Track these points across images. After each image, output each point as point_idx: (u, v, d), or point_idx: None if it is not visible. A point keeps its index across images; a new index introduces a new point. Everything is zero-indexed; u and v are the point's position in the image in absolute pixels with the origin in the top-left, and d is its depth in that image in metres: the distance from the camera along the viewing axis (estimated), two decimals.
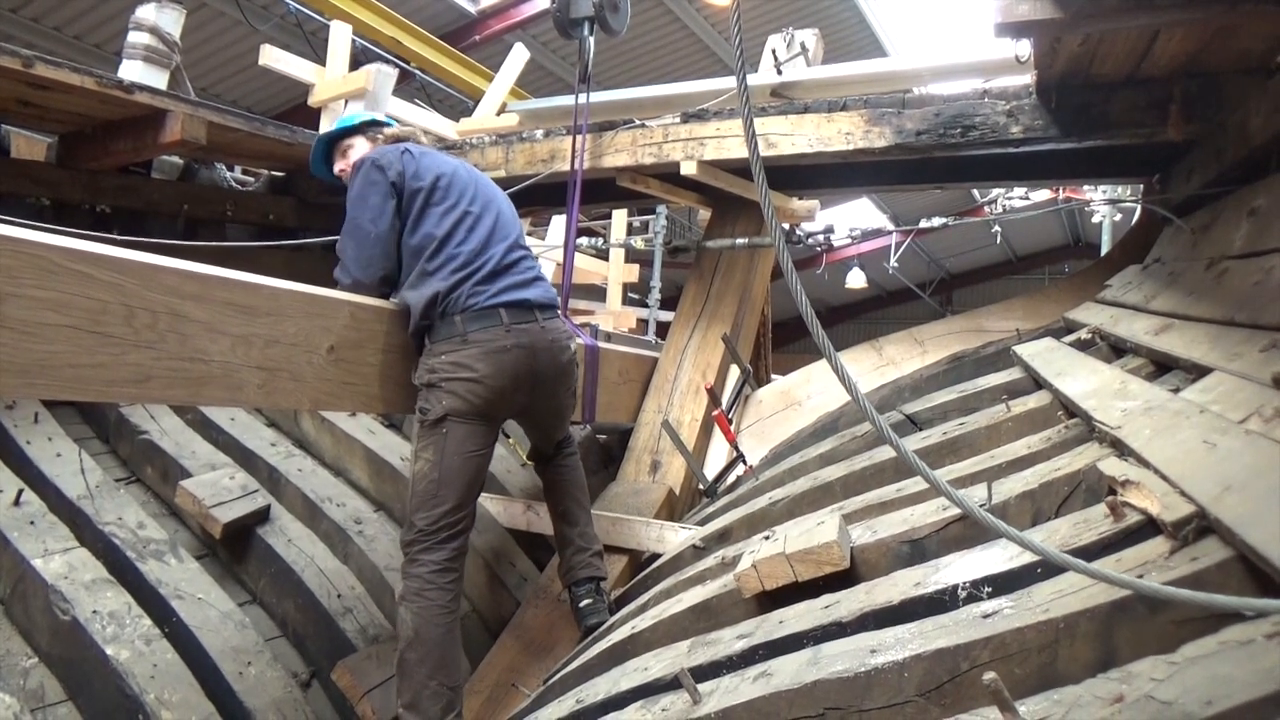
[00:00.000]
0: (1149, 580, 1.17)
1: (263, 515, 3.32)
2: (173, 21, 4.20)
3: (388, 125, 3.05)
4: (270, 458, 3.71)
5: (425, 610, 2.43)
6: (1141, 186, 3.98)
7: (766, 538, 2.12)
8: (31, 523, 2.95)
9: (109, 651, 2.56)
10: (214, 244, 3.41)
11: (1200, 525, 1.24)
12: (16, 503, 3.01)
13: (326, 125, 5.11)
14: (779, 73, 4.48)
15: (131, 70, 3.98)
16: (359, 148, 2.95)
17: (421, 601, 2.44)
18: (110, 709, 2.51)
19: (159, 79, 4.02)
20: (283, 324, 2.27)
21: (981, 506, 1.79)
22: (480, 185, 2.85)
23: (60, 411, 3.75)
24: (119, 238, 2.30)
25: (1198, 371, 1.89)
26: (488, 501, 3.57)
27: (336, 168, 3.01)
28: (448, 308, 2.57)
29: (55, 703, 2.54)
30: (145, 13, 4.15)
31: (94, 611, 2.67)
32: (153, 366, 1.94)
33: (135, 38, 4.05)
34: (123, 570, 2.91)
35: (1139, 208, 4.23)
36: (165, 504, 3.48)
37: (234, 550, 3.27)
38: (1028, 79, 3.29)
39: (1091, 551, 1.37)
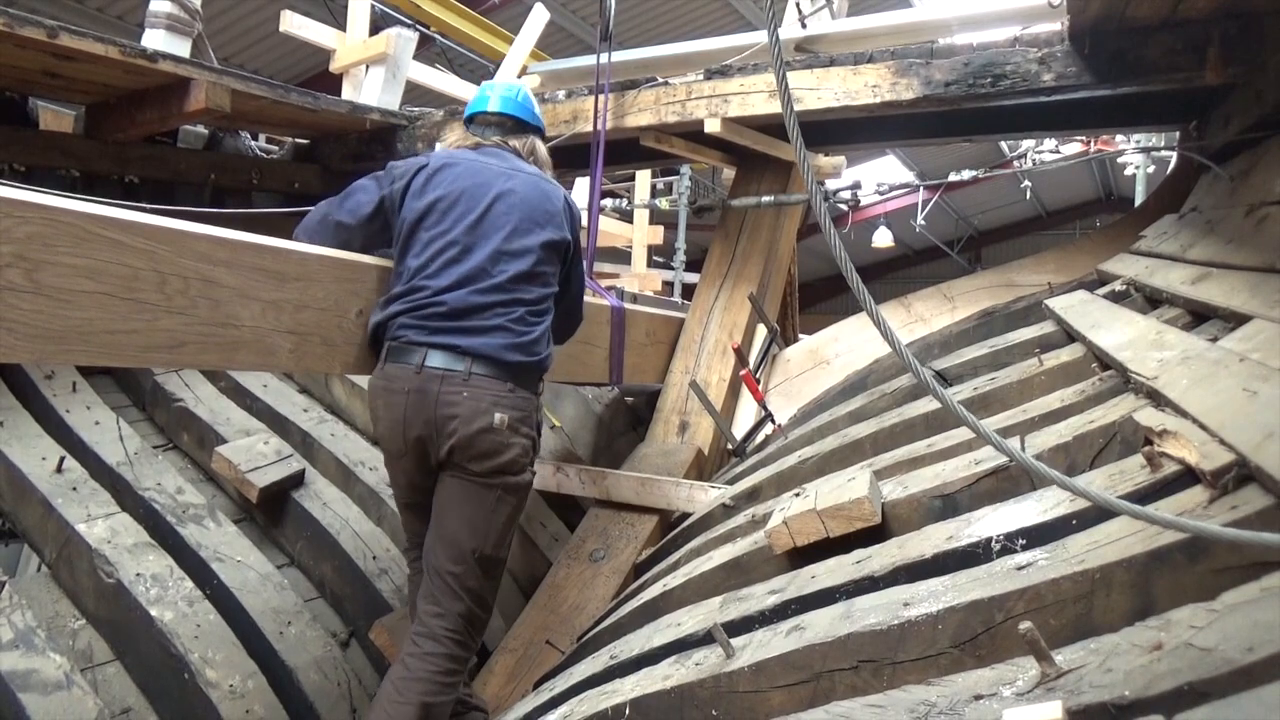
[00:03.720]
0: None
1: (298, 479, 3.37)
2: None
3: (471, 127, 2.78)
4: (303, 423, 3.76)
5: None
6: (1178, 134, 3.88)
7: (797, 495, 2.12)
8: (74, 489, 3.02)
9: (153, 613, 2.63)
10: (241, 211, 3.44)
11: (1241, 473, 1.22)
12: (59, 470, 3.08)
13: (349, 91, 5.11)
14: (803, 26, 4.41)
15: (154, 39, 3.98)
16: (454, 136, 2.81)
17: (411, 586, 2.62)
18: (157, 668, 2.58)
19: (182, 48, 4.02)
20: (312, 289, 2.28)
21: (1013, 461, 1.78)
22: (499, 203, 2.48)
23: (97, 380, 3.81)
24: (149, 206, 2.31)
25: (1237, 320, 1.85)
26: None
27: None
28: (383, 334, 2.41)
29: (103, 662, 2.62)
30: None
31: (137, 574, 2.73)
32: (185, 332, 1.97)
33: (157, 6, 4.04)
34: (164, 534, 2.98)
35: (1174, 157, 4.14)
36: (202, 470, 3.54)
37: (271, 514, 3.33)
38: (1059, 25, 3.21)
39: (1128, 502, 1.36)
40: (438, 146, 2.77)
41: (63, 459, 3.12)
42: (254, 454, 3.36)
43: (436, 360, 2.31)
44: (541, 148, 2.81)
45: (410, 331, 2.34)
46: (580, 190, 7.38)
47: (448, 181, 2.49)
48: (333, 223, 2.55)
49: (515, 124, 2.74)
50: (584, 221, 3.30)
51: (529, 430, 2.42)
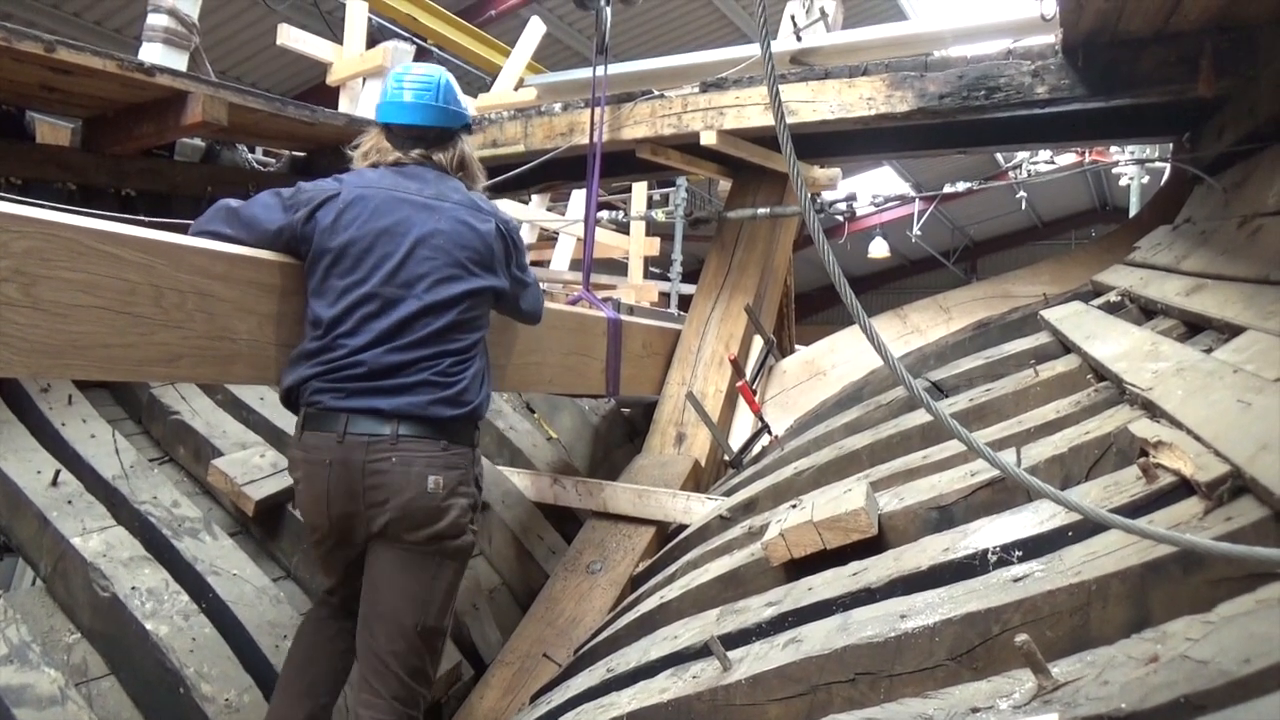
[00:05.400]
0: None
1: (294, 492, 3.36)
2: (191, 3, 4.20)
3: (389, 136, 2.43)
4: None
5: None
6: (1171, 145, 3.90)
7: (794, 507, 2.12)
8: (69, 502, 3.01)
9: (148, 627, 2.61)
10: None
11: (1235, 485, 1.22)
12: (54, 483, 3.06)
13: (346, 104, 5.12)
14: (798, 39, 4.43)
15: (151, 53, 3.99)
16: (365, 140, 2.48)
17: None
18: (152, 682, 2.57)
19: (179, 61, 4.04)
20: None
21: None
22: (421, 248, 2.22)
23: (93, 394, 3.80)
24: (146, 220, 2.31)
25: (1231, 331, 1.86)
26: (514, 476, 3.60)
27: None
28: (298, 399, 2.22)
29: (98, 677, 2.60)
30: None
31: (133, 588, 2.72)
32: (181, 346, 1.97)
33: (154, 20, 4.06)
34: (159, 548, 2.96)
35: (1168, 168, 4.16)
36: (198, 483, 3.52)
37: (267, 527, 3.32)
38: (1053, 38, 3.23)
39: (1124, 514, 1.35)
40: (354, 157, 2.47)
41: (58, 472, 3.11)
42: (250, 467, 3.35)
43: (359, 426, 2.11)
44: (469, 151, 2.49)
45: (326, 396, 2.14)
46: (577, 202, 7.39)
47: (362, 220, 2.21)
48: (227, 237, 2.20)
49: (438, 133, 2.41)
50: (585, 233, 3.24)
51: (467, 489, 2.23)
